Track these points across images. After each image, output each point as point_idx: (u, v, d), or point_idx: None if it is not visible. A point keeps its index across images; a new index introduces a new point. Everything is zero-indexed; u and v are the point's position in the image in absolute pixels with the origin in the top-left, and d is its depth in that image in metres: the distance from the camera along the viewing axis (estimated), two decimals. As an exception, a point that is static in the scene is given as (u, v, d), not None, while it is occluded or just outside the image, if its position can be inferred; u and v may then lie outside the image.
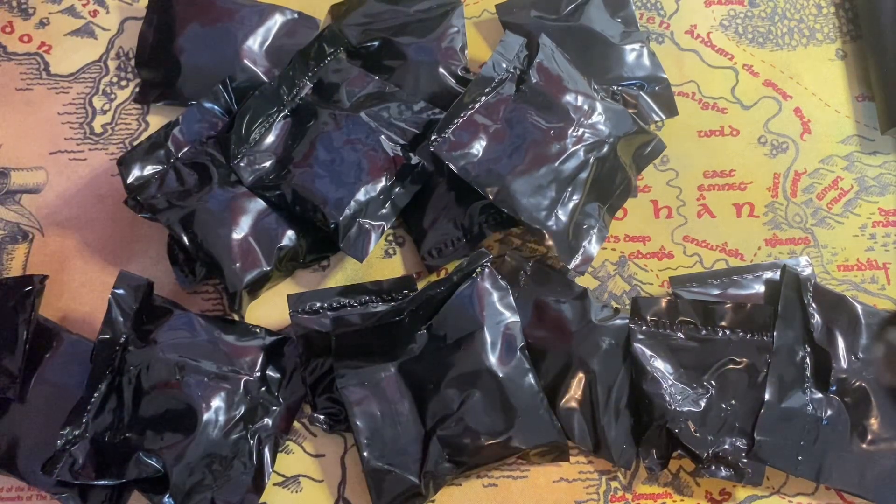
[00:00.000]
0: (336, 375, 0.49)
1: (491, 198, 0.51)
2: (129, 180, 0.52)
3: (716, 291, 0.53)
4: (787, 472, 0.50)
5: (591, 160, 0.52)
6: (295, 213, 0.52)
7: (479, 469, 0.50)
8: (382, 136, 0.53)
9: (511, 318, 0.51)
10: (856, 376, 0.50)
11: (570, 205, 0.52)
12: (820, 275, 0.55)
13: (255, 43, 0.58)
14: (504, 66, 0.53)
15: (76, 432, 0.47)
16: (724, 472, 0.48)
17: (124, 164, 0.52)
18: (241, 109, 0.53)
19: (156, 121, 0.58)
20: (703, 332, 0.51)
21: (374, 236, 0.52)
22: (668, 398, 0.49)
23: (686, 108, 0.59)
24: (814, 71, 0.61)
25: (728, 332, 0.51)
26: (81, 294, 0.54)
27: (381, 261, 0.55)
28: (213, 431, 0.48)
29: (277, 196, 0.52)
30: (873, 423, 0.49)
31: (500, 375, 0.49)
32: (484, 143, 0.51)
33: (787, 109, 0.60)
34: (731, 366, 0.50)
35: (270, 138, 0.55)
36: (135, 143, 0.57)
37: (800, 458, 0.48)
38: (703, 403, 0.49)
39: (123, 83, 0.59)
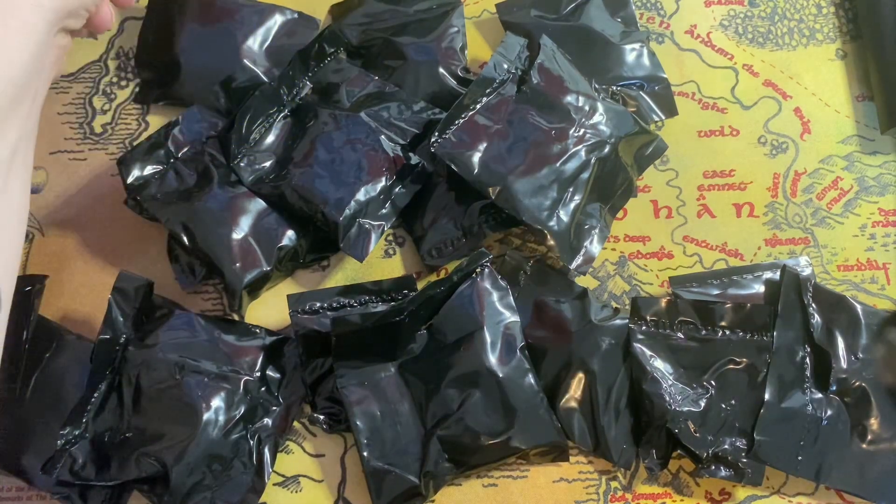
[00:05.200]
0: (336, 375, 0.49)
1: (492, 198, 0.51)
2: (129, 180, 0.52)
3: (716, 291, 0.53)
4: (787, 472, 0.50)
5: (593, 160, 0.52)
6: (295, 213, 0.52)
7: (479, 469, 0.50)
8: (382, 136, 0.53)
9: (511, 318, 0.51)
10: (856, 376, 0.50)
11: (572, 205, 0.52)
12: (820, 275, 0.55)
13: (255, 43, 0.58)
14: (505, 66, 0.53)
15: (76, 432, 0.47)
16: (724, 472, 0.48)
17: (124, 164, 0.52)
18: (241, 109, 0.53)
19: (156, 121, 0.58)
20: (703, 332, 0.51)
21: (374, 236, 0.52)
22: (668, 398, 0.49)
23: (686, 108, 0.59)
24: (814, 71, 0.61)
25: (728, 332, 0.51)
26: (81, 294, 0.54)
27: (381, 261, 0.55)
28: (213, 431, 0.48)
29: (277, 196, 0.52)
30: (873, 423, 0.49)
31: (500, 375, 0.49)
32: (485, 144, 0.51)
33: (786, 109, 0.60)
34: (731, 366, 0.50)
35: (270, 138, 0.55)
36: (135, 143, 0.57)
37: (800, 458, 0.48)
38: (703, 403, 0.49)
39: (123, 83, 0.59)
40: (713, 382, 0.50)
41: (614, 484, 0.50)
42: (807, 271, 0.54)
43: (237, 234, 0.51)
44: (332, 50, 0.57)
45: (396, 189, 0.53)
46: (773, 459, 0.48)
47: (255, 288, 0.52)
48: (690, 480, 0.50)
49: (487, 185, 0.51)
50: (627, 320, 0.51)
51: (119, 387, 0.48)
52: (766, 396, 0.49)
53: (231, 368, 0.49)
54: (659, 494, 0.50)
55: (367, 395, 0.49)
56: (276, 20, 0.59)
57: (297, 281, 0.55)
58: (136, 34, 0.60)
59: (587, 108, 0.53)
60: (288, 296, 0.51)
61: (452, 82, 0.57)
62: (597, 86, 0.56)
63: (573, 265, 0.52)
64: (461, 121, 0.52)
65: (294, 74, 0.55)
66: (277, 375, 0.51)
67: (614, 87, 0.57)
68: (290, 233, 0.52)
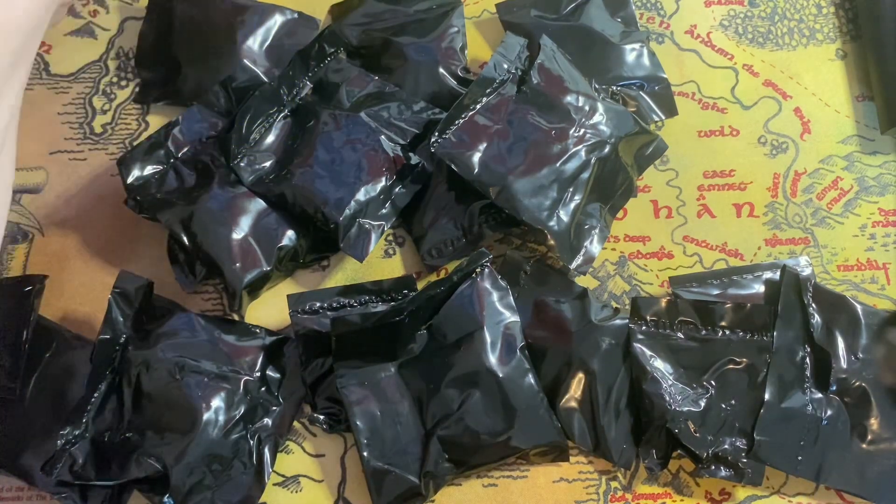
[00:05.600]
0: (336, 375, 0.49)
1: (492, 198, 0.51)
2: (129, 180, 0.52)
3: (716, 291, 0.53)
4: (787, 472, 0.50)
5: (593, 160, 0.52)
6: (295, 213, 0.52)
7: (479, 469, 0.50)
8: (382, 136, 0.53)
9: (511, 318, 0.51)
10: (856, 376, 0.50)
11: (572, 205, 0.52)
12: (820, 275, 0.55)
13: (255, 43, 0.58)
14: (505, 66, 0.53)
15: (76, 432, 0.47)
16: (724, 472, 0.48)
17: (124, 164, 0.52)
18: (241, 109, 0.53)
19: (156, 121, 0.58)
20: (703, 332, 0.51)
21: (374, 236, 0.52)
22: (668, 398, 0.49)
23: (686, 108, 0.59)
24: (814, 71, 0.61)
25: (728, 332, 0.51)
26: (81, 294, 0.54)
27: (381, 261, 0.55)
28: (213, 431, 0.48)
29: (277, 196, 0.52)
30: (873, 423, 0.49)
31: (500, 375, 0.49)
32: (485, 144, 0.52)
33: (786, 109, 0.60)
34: (731, 366, 0.50)
35: (270, 138, 0.55)
36: (135, 143, 0.57)
37: (800, 458, 0.48)
38: (703, 403, 0.49)
39: (123, 83, 0.59)
40: (713, 382, 0.50)
41: (614, 484, 0.50)
42: (807, 271, 0.54)
43: (237, 234, 0.51)
44: (332, 50, 0.57)
45: (396, 189, 0.53)
46: (773, 459, 0.48)
47: (255, 288, 0.52)
48: (690, 480, 0.50)
49: (487, 185, 0.51)
50: (627, 320, 0.51)
51: (119, 387, 0.48)
52: (766, 396, 0.49)
53: (231, 368, 0.49)
54: (659, 494, 0.50)
55: (367, 395, 0.49)
56: (276, 20, 0.59)
57: (297, 281, 0.55)
58: (136, 34, 0.60)
59: (587, 108, 0.53)
60: (288, 296, 0.51)
61: (452, 82, 0.57)
62: (597, 86, 0.56)
63: (573, 265, 0.52)
64: (461, 121, 0.52)
65: (294, 74, 0.55)
66: (277, 375, 0.51)
67: (614, 87, 0.57)
68: (290, 233, 0.52)
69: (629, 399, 0.50)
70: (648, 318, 0.51)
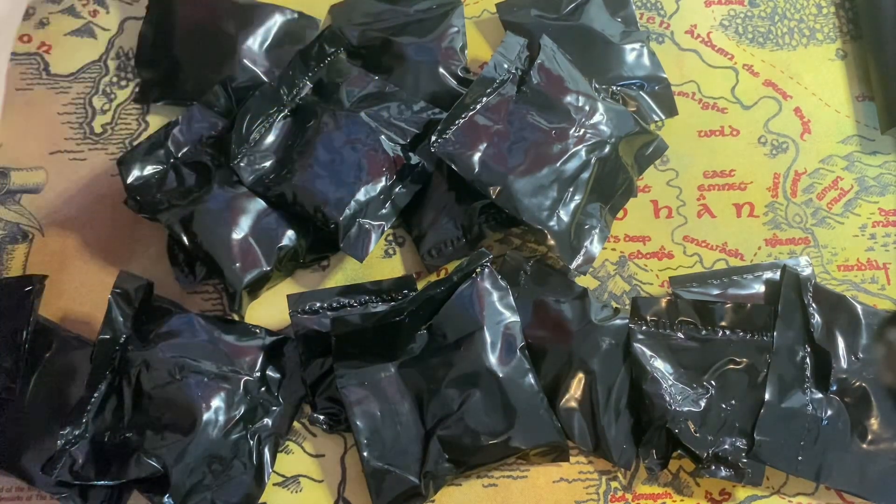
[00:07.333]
0: (336, 375, 0.49)
1: (492, 198, 0.51)
2: (129, 180, 0.52)
3: (716, 291, 0.53)
4: (787, 472, 0.50)
5: (593, 160, 0.52)
6: (295, 213, 0.52)
7: (479, 469, 0.50)
8: (382, 136, 0.53)
9: (511, 318, 0.51)
10: (856, 376, 0.50)
11: (572, 205, 0.52)
12: (820, 275, 0.55)
13: (255, 43, 0.58)
14: (505, 66, 0.53)
15: (76, 432, 0.47)
16: (724, 472, 0.48)
17: (124, 164, 0.52)
18: (241, 109, 0.53)
19: (156, 121, 0.58)
20: (703, 332, 0.51)
21: (374, 236, 0.52)
22: (668, 398, 0.49)
23: (686, 108, 0.59)
24: (814, 71, 0.61)
25: (728, 332, 0.51)
26: (81, 294, 0.54)
27: (381, 261, 0.55)
28: (213, 431, 0.48)
29: (277, 196, 0.52)
30: (873, 423, 0.49)
31: (500, 375, 0.49)
32: (485, 144, 0.51)
33: (787, 109, 0.60)
34: (731, 366, 0.50)
35: (270, 138, 0.55)
36: (135, 143, 0.57)
37: (800, 458, 0.48)
38: (703, 403, 0.49)
39: (123, 83, 0.59)
40: (713, 382, 0.50)
41: (614, 484, 0.50)
42: (807, 271, 0.54)
43: (237, 234, 0.51)
44: (332, 50, 0.57)
45: (396, 189, 0.53)
46: (773, 459, 0.48)
47: (255, 288, 0.52)
48: (690, 480, 0.50)
49: (487, 184, 0.51)
50: (627, 320, 0.51)
51: (119, 387, 0.48)
52: (767, 396, 0.49)
53: (231, 368, 0.49)
54: (659, 494, 0.50)
55: (367, 395, 0.49)
56: (276, 20, 0.59)
57: (297, 281, 0.55)
58: (136, 34, 0.60)
59: (587, 108, 0.53)
60: (288, 296, 0.51)
61: (452, 82, 0.57)
62: (597, 86, 0.56)
63: (573, 265, 0.52)
64: (461, 121, 0.52)
65: (294, 74, 0.55)
66: (277, 375, 0.51)
67: (614, 87, 0.57)
68: (290, 233, 0.52)
69: (629, 399, 0.50)
70: (648, 318, 0.51)
